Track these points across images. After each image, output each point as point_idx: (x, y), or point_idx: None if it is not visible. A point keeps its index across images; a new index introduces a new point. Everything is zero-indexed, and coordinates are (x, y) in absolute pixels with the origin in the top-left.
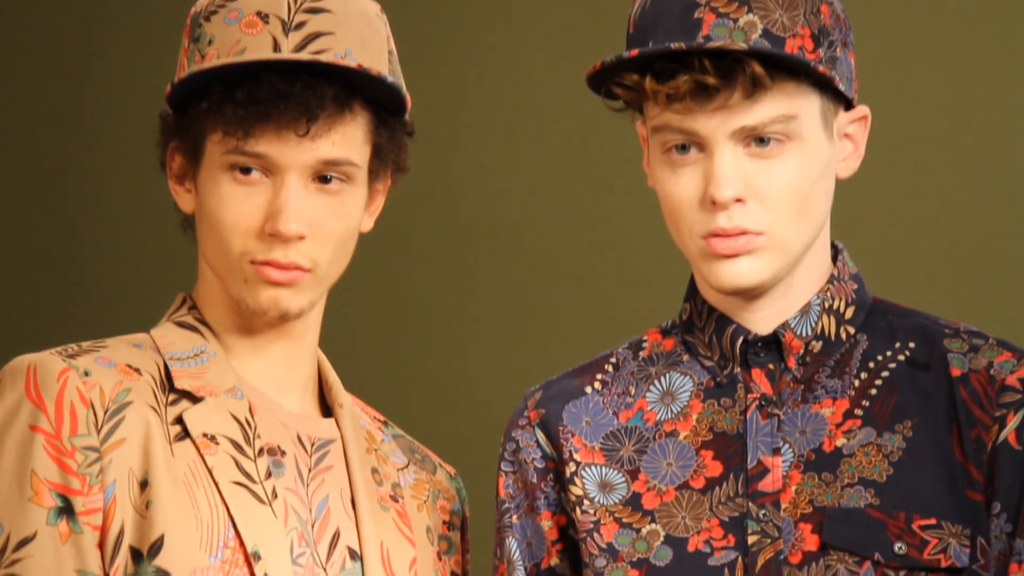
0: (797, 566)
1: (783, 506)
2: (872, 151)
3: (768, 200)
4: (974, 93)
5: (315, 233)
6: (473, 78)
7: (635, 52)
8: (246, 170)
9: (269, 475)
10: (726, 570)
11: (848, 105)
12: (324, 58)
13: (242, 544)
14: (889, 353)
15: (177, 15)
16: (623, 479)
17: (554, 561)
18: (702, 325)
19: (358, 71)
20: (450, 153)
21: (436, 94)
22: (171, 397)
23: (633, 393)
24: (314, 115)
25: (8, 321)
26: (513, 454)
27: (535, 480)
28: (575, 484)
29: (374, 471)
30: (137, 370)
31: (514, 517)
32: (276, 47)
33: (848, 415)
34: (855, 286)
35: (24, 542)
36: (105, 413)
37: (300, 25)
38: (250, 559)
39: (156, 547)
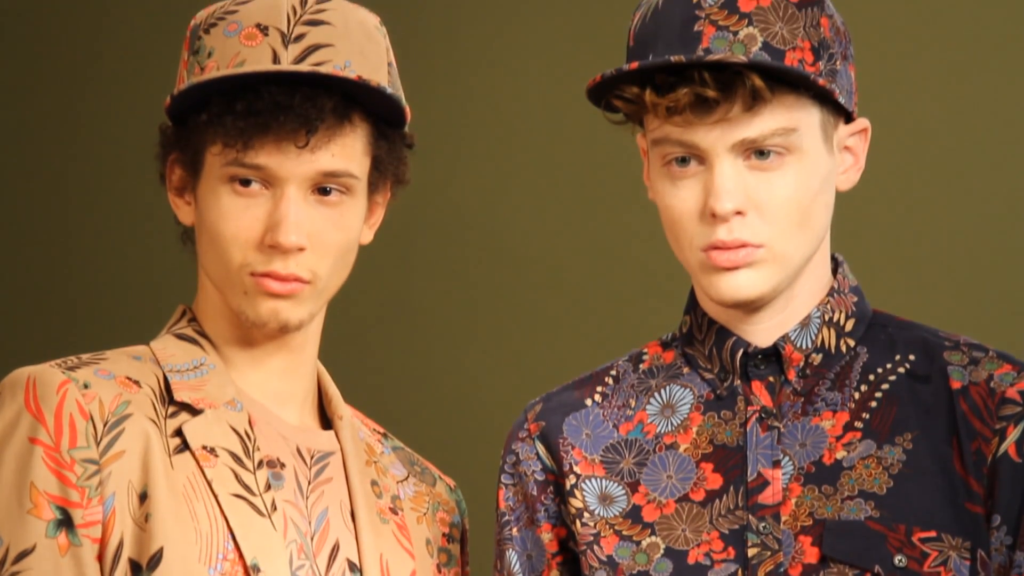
0: None
1: (783, 518)
2: (872, 164)
3: (768, 213)
4: (974, 106)
5: (315, 245)
6: (473, 90)
7: (635, 65)
8: (245, 182)
9: (268, 487)
10: None
11: (848, 118)
12: (323, 70)
13: (241, 556)
14: (889, 366)
15: (178, 27)
16: (623, 491)
17: (554, 574)
18: (702, 337)
19: (357, 82)
20: (450, 165)
21: (436, 106)
22: (170, 409)
23: (633, 405)
24: (313, 127)
25: (8, 333)
26: (513, 466)
27: (535, 492)
28: (575, 496)
29: (374, 483)
30: (136, 382)
31: (514, 529)
32: (276, 59)
33: (848, 428)
34: (855, 299)
35: (23, 555)
36: (104, 425)
37: (300, 37)
38: (249, 571)
39: (155, 560)
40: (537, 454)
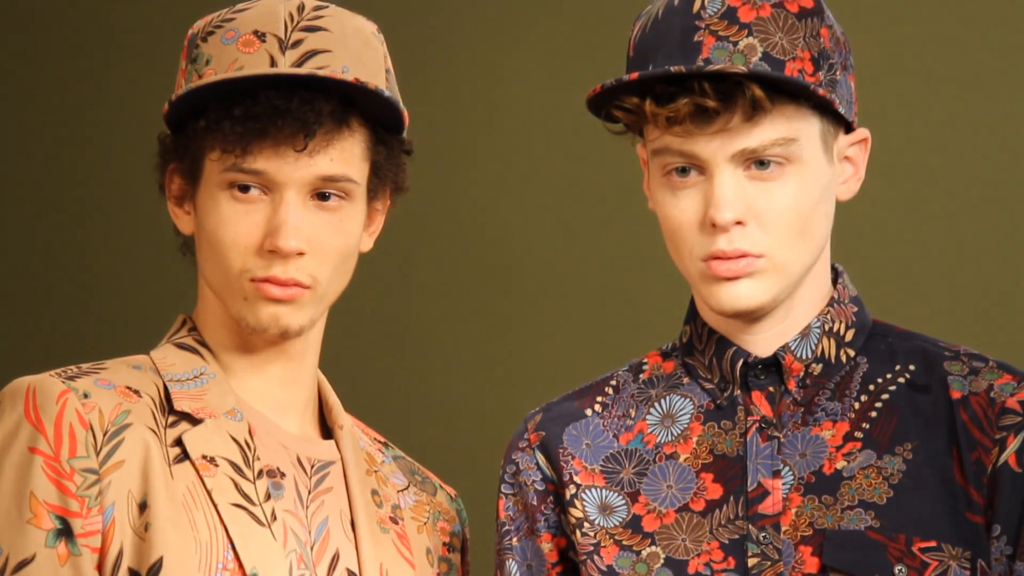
0: None
1: (783, 528)
2: (872, 174)
3: (768, 223)
4: (974, 116)
5: (314, 250)
6: (473, 100)
7: (635, 75)
8: (244, 188)
9: (268, 497)
10: None
11: (848, 128)
12: (321, 72)
13: (241, 566)
14: (889, 376)
15: (178, 37)
16: (623, 501)
17: None
18: (702, 347)
19: (355, 84)
20: (450, 175)
21: (436, 115)
22: (170, 419)
23: (633, 415)
24: (311, 131)
25: (8, 342)
26: (513, 476)
27: (535, 502)
28: (575, 506)
29: (374, 493)
30: (136, 392)
31: (514, 539)
32: (273, 64)
33: (848, 438)
34: (855, 309)
35: (23, 564)
36: (104, 435)
37: (297, 43)
38: None
39: (155, 569)
40: (537, 464)
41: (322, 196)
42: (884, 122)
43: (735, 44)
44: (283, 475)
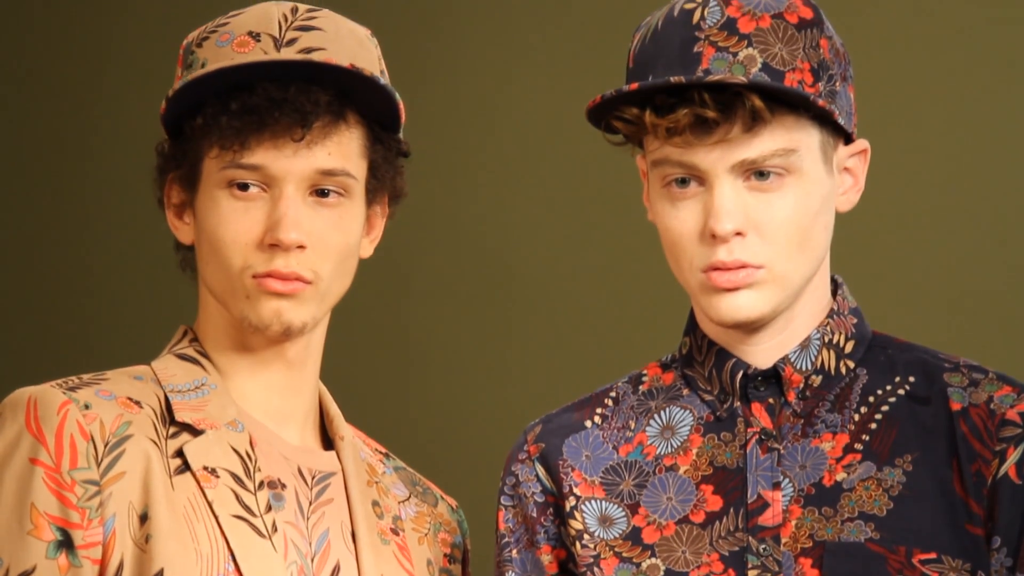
0: None
1: (783, 540)
2: (872, 185)
3: (768, 234)
4: (974, 127)
5: (315, 245)
6: (473, 110)
7: (635, 86)
8: (244, 187)
9: (269, 508)
10: None
11: (848, 139)
12: (317, 58)
13: None
14: (889, 387)
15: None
16: (623, 513)
17: None
18: (702, 359)
19: (351, 71)
20: (450, 184)
21: (436, 124)
22: (172, 430)
23: (633, 427)
24: (308, 121)
25: (9, 353)
26: (513, 488)
27: (535, 514)
28: (575, 518)
29: (375, 504)
30: (138, 403)
31: (514, 551)
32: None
33: (848, 449)
34: (855, 320)
35: (24, 575)
36: (105, 446)
37: (292, 41)
38: None
39: None
40: (537, 476)
41: (321, 193)
42: (884, 133)
43: (735, 55)
44: (284, 486)
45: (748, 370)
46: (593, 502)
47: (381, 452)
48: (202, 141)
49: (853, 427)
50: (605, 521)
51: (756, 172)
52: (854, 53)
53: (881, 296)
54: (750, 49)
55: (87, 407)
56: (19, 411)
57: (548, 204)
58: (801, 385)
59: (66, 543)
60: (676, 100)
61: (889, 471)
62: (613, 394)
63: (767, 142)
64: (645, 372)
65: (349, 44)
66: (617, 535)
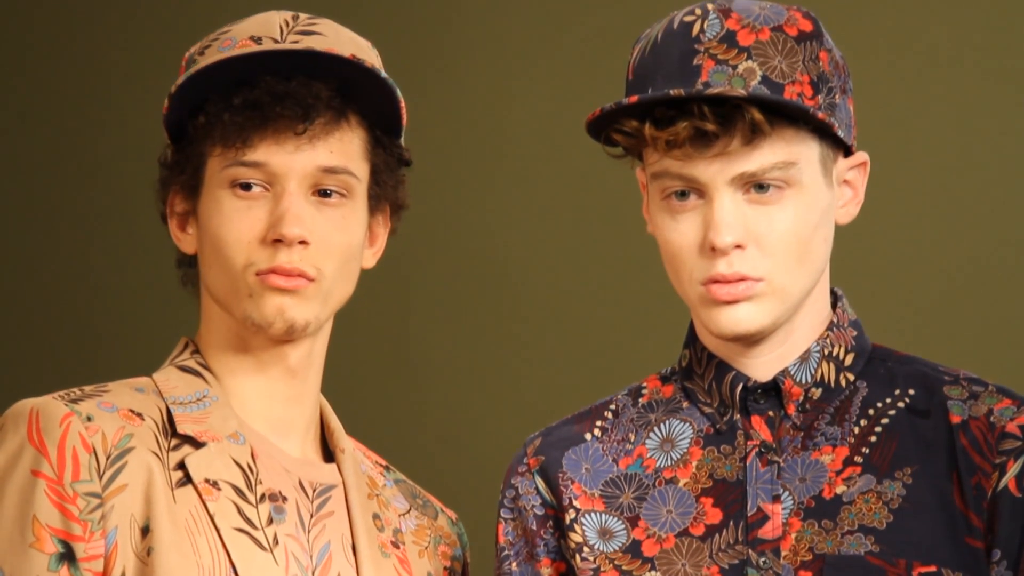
0: None
1: (783, 553)
2: (871, 197)
3: (768, 246)
4: (974, 140)
5: (318, 242)
6: (473, 123)
7: (634, 98)
8: (246, 186)
9: (271, 521)
10: None
11: (847, 151)
12: (319, 48)
13: None
14: (889, 400)
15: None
16: (623, 526)
17: None
18: (701, 372)
19: (352, 61)
20: (451, 196)
21: (437, 135)
22: (173, 442)
23: (633, 440)
24: (310, 114)
25: (11, 364)
26: (512, 501)
27: (535, 527)
28: (575, 531)
29: (375, 517)
30: (139, 415)
31: (513, 564)
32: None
33: (848, 462)
34: (855, 333)
35: None
36: (107, 459)
37: (293, 44)
38: None
39: None
40: (536, 488)
41: (324, 193)
42: (883, 146)
43: (734, 67)
44: (285, 499)
45: (748, 383)
46: (593, 515)
47: (381, 465)
48: (205, 141)
49: (853, 440)
50: (605, 534)
51: (756, 185)
52: (853, 66)
53: (881, 309)
54: (750, 62)
55: (89, 419)
56: (21, 423)
57: (549, 216)
58: (801, 398)
59: (68, 556)
60: (676, 113)
61: (889, 484)
62: (613, 407)
63: (767, 155)
64: (645, 384)
65: (350, 48)
66: (617, 548)
